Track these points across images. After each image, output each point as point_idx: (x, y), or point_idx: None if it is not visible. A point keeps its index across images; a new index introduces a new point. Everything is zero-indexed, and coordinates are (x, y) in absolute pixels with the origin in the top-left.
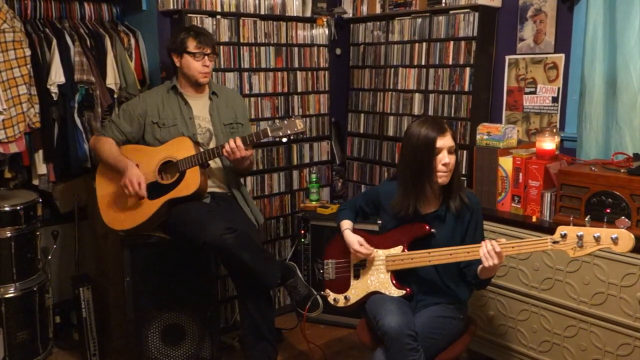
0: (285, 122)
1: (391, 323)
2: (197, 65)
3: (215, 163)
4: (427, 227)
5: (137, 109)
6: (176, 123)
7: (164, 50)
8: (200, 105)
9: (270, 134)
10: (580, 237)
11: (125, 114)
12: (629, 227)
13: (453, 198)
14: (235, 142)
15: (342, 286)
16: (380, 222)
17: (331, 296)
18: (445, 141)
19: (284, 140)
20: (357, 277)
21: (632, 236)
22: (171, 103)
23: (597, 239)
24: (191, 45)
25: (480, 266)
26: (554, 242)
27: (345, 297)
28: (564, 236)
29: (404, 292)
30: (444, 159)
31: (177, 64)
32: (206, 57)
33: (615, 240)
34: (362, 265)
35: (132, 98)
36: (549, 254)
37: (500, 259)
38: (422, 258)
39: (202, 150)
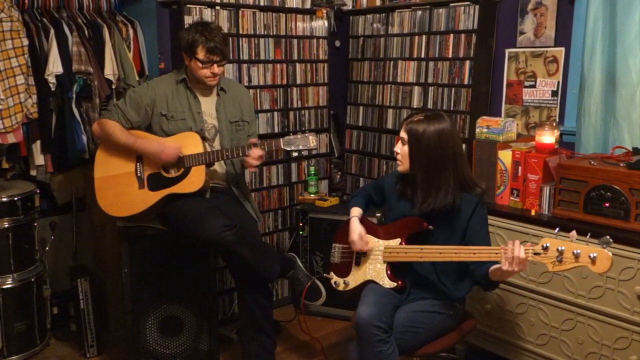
0: (299, 136)
1: (362, 313)
2: (205, 72)
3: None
4: (425, 224)
5: (145, 98)
6: (185, 117)
7: (163, 40)
8: (208, 101)
9: (282, 147)
10: (560, 252)
11: (132, 102)
12: (610, 244)
13: (432, 196)
14: (259, 153)
15: (344, 271)
16: (379, 214)
17: (334, 279)
18: (402, 129)
19: (294, 155)
20: (357, 264)
21: (610, 256)
22: (180, 96)
23: (577, 256)
24: (200, 53)
25: (493, 267)
26: (535, 254)
27: (345, 282)
28: (545, 248)
29: (396, 284)
30: (395, 147)
31: (187, 63)
32: (215, 64)
33: (593, 260)
34: (364, 253)
35: (131, 88)
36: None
37: (523, 265)
38: (415, 253)
39: (208, 146)
